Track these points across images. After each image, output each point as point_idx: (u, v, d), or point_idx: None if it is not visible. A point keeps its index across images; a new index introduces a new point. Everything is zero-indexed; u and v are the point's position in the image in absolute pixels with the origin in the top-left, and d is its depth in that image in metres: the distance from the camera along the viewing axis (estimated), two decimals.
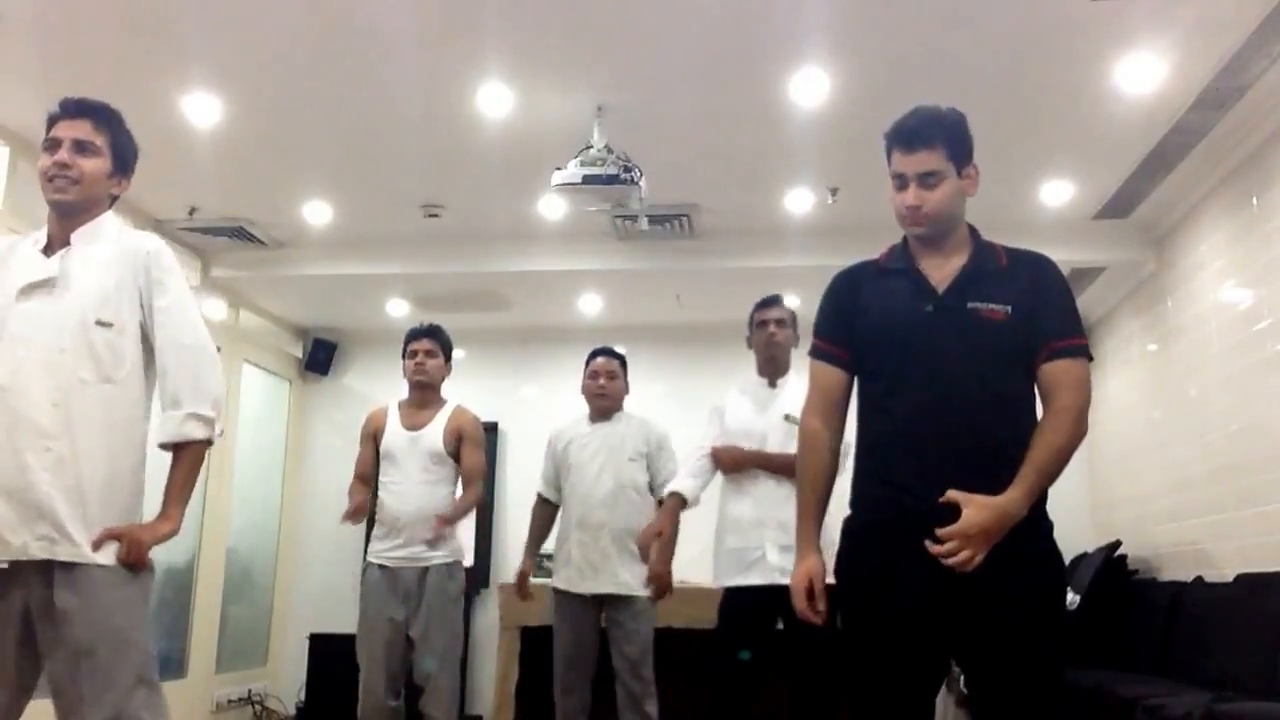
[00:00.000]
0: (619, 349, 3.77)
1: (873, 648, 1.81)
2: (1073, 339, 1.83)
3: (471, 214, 4.77)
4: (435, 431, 3.41)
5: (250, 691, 5.76)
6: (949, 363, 1.80)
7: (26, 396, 1.82)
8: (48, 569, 1.80)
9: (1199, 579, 4.08)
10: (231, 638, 5.69)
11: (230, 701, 5.58)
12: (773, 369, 3.28)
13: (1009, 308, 1.81)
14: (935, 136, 1.87)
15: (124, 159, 2.01)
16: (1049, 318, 1.83)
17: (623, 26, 3.24)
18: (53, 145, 1.95)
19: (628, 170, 3.60)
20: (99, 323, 1.88)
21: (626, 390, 3.68)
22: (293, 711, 5.70)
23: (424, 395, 3.49)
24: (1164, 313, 4.73)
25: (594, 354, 3.69)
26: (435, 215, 4.74)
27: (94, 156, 1.95)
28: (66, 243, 1.94)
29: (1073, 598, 4.50)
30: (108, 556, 1.83)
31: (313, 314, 6.24)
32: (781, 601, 3.02)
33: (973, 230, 1.95)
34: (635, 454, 3.55)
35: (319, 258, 5.25)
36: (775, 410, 3.19)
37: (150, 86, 3.57)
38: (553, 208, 4.58)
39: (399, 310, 5.92)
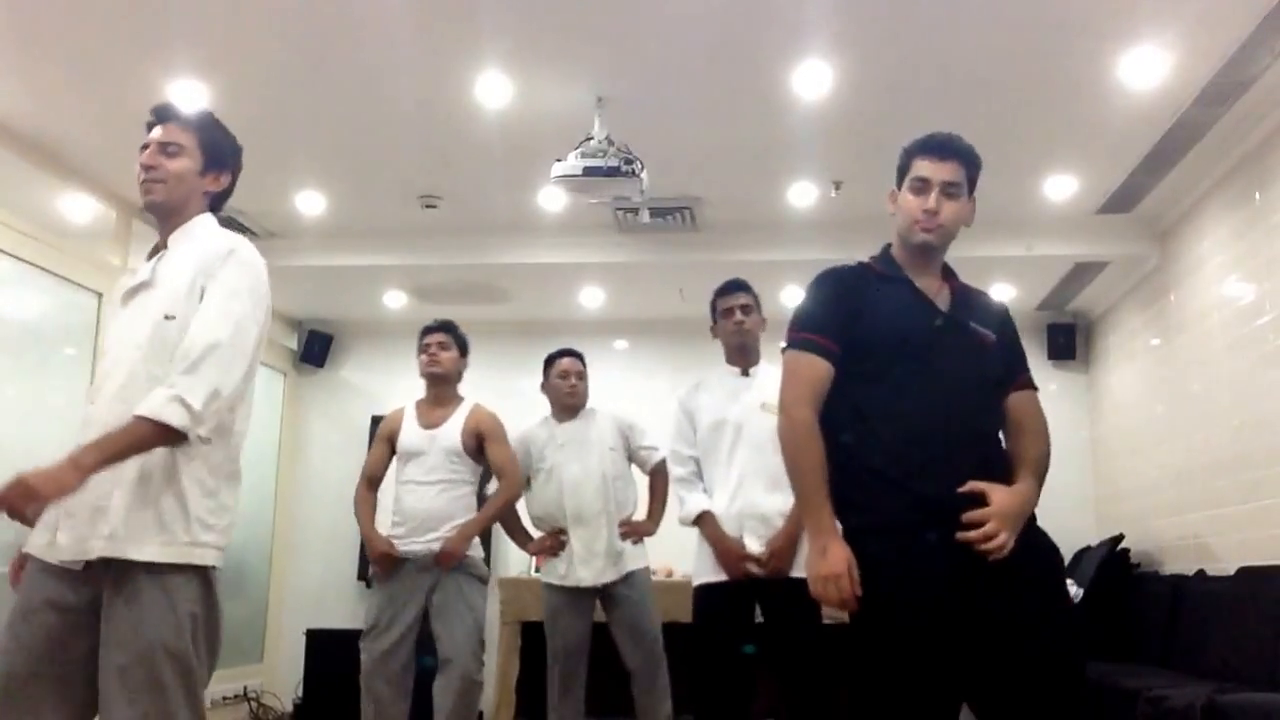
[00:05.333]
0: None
1: (895, 650, 1.79)
2: (1028, 373, 2.03)
3: (470, 205, 4.74)
4: (453, 429, 3.37)
5: (246, 688, 5.73)
6: (954, 374, 1.88)
7: (105, 398, 1.84)
8: (108, 569, 1.76)
9: (1201, 572, 4.09)
10: (226, 634, 5.53)
11: (225, 699, 5.55)
12: (743, 357, 3.15)
13: (993, 336, 1.97)
14: (963, 154, 1.97)
15: (216, 155, 2.01)
16: (1017, 354, 2.03)
17: (624, 17, 3.21)
18: (142, 150, 1.98)
19: (629, 162, 3.57)
20: (166, 316, 1.87)
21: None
22: (289, 708, 5.67)
23: (440, 392, 3.45)
24: (1167, 307, 4.73)
25: (557, 355, 3.73)
26: (433, 206, 4.70)
27: (179, 157, 1.97)
28: (166, 246, 1.98)
29: (1076, 590, 4.51)
30: (154, 553, 1.77)
31: (307, 305, 6.19)
32: (759, 593, 3.00)
33: (945, 264, 2.06)
34: (613, 444, 3.64)
35: (313, 248, 5.20)
36: (751, 399, 3.07)
37: (135, 73, 3.51)
38: (553, 199, 4.55)
39: (396, 302, 5.88)
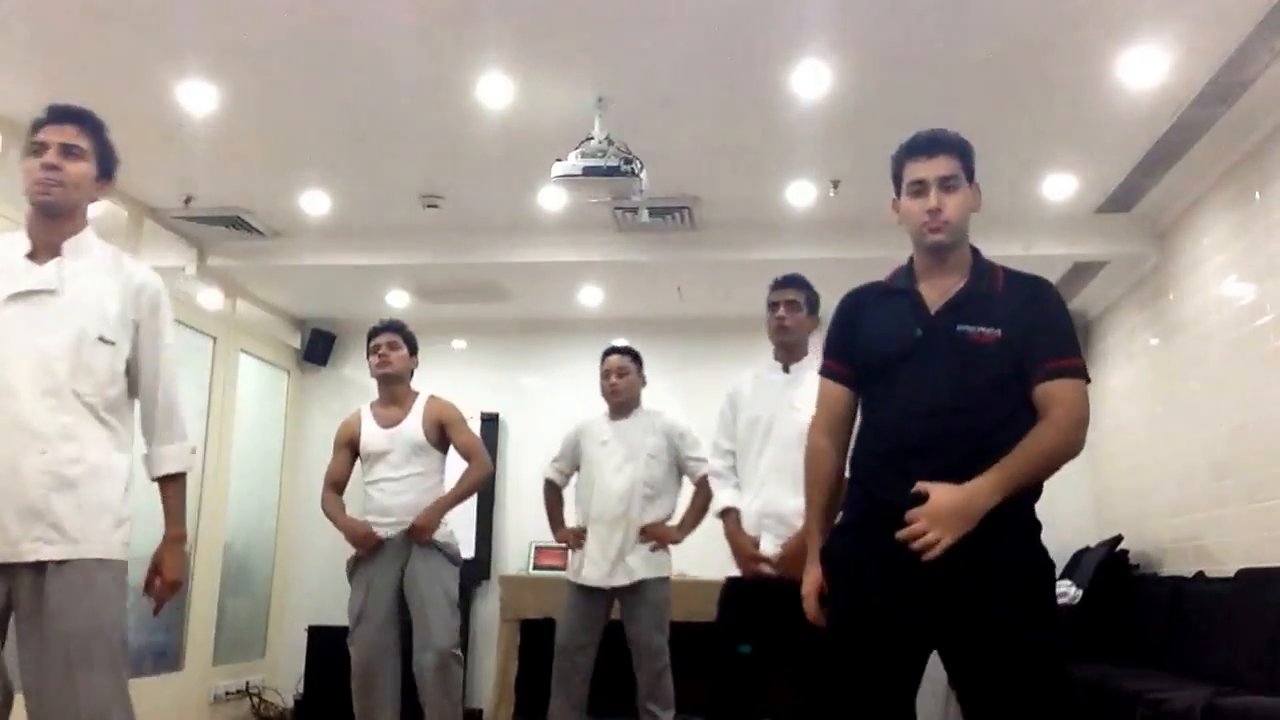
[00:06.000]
0: (620, 341, 3.83)
1: (848, 641, 1.87)
2: (1067, 359, 1.86)
3: (471, 205, 4.75)
4: (413, 424, 3.43)
5: (248, 684, 5.75)
6: (932, 384, 1.86)
7: (20, 400, 1.85)
8: (39, 566, 1.81)
9: (1200, 574, 4.08)
10: (229, 630, 5.67)
11: (228, 694, 5.57)
12: (786, 354, 3.15)
13: (999, 331, 1.85)
14: (952, 146, 1.95)
15: (107, 165, 2.05)
16: (1045, 340, 1.86)
17: (624, 17, 3.22)
18: (39, 149, 1.97)
19: (628, 162, 3.58)
20: (101, 339, 1.91)
21: (643, 383, 3.75)
22: (291, 704, 5.69)
23: (393, 391, 3.51)
24: (1166, 307, 4.72)
25: (606, 352, 3.76)
26: (435, 206, 4.71)
27: (80, 160, 1.98)
28: (55, 251, 1.97)
29: (1075, 592, 4.50)
30: (104, 550, 1.86)
31: (310, 304, 6.21)
32: (780, 592, 3.00)
33: (975, 251, 1.99)
34: (655, 450, 3.61)
35: (317, 248, 5.21)
36: (786, 399, 3.07)
37: (145, 73, 3.54)
38: (553, 199, 4.56)
39: (399, 301, 5.90)
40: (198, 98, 3.68)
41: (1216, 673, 3.45)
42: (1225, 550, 4.01)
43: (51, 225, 1.97)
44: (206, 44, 3.40)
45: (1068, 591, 4.49)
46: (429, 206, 4.71)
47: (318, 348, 6.37)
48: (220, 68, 3.55)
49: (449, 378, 5.27)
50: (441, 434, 3.45)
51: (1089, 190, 4.44)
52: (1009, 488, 1.76)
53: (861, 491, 1.92)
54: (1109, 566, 4.63)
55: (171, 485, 2.04)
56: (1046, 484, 1.87)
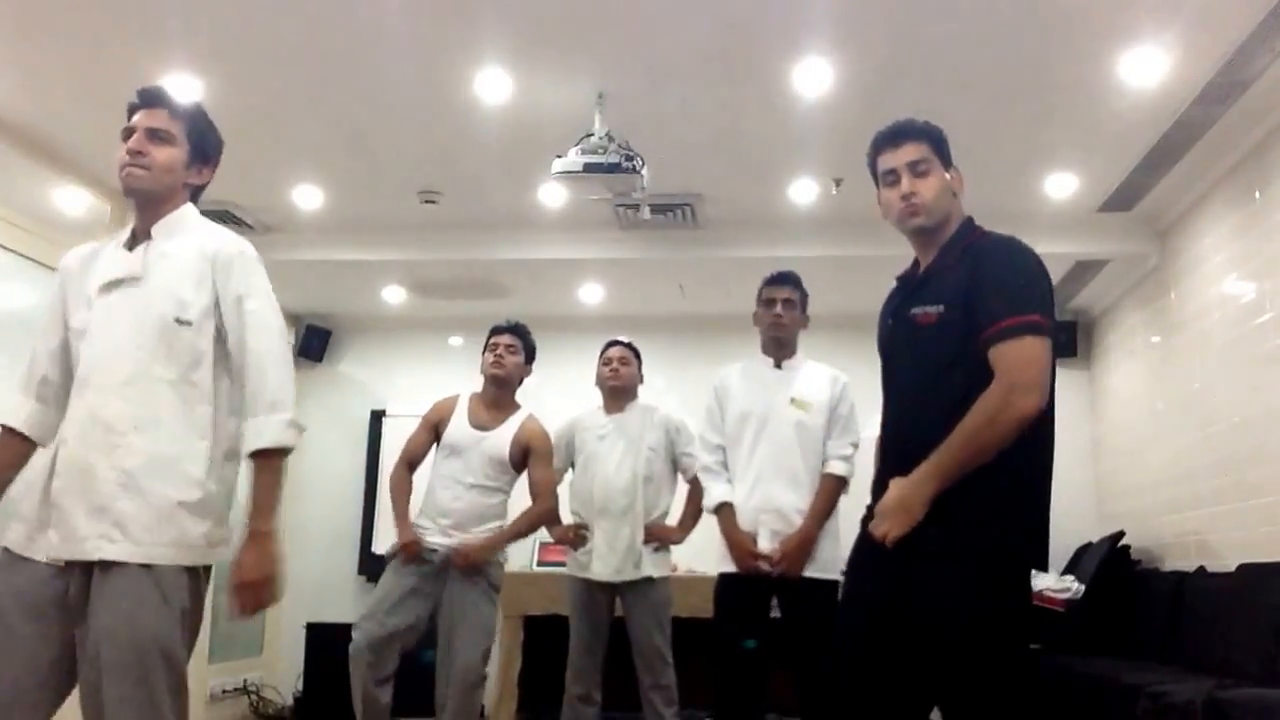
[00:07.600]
0: (622, 339, 3.84)
1: (843, 627, 1.95)
2: (1004, 321, 1.77)
3: (470, 201, 4.73)
4: (503, 438, 3.33)
5: (246, 681, 5.73)
6: (899, 372, 1.92)
7: (101, 392, 1.80)
8: (90, 569, 1.74)
9: (1201, 569, 4.10)
10: (226, 627, 5.65)
11: (225, 692, 5.55)
12: (778, 350, 3.18)
13: (940, 308, 1.84)
14: (918, 132, 1.98)
15: (203, 148, 1.98)
16: (983, 306, 1.80)
17: (625, 13, 3.21)
18: (128, 135, 1.92)
19: (629, 159, 3.56)
20: (179, 321, 1.84)
21: (640, 379, 3.74)
22: (290, 701, 5.68)
23: (499, 394, 3.42)
24: (1167, 305, 4.73)
25: (608, 344, 3.77)
26: (433, 202, 4.69)
27: (168, 145, 1.92)
28: (149, 236, 1.92)
29: (1077, 587, 4.52)
30: (172, 555, 1.76)
31: (305, 300, 6.17)
32: (778, 588, 3.02)
33: (961, 227, 1.96)
34: (655, 443, 3.59)
35: (311, 243, 5.17)
36: (781, 394, 3.11)
37: (129, 66, 3.47)
38: (553, 195, 4.55)
39: (396, 297, 5.88)
40: (184, 91, 3.62)
41: (1218, 666, 3.46)
42: (1226, 546, 4.02)
43: (147, 212, 1.93)
44: (194, 35, 3.35)
45: (1070, 586, 4.51)
46: (427, 202, 4.69)
47: (313, 344, 6.33)
48: (208, 59, 3.50)
49: (447, 375, 5.25)
50: (524, 458, 3.35)
51: (1090, 189, 4.44)
52: (943, 473, 1.74)
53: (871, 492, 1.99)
54: (1111, 562, 4.64)
55: (261, 465, 1.84)
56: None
